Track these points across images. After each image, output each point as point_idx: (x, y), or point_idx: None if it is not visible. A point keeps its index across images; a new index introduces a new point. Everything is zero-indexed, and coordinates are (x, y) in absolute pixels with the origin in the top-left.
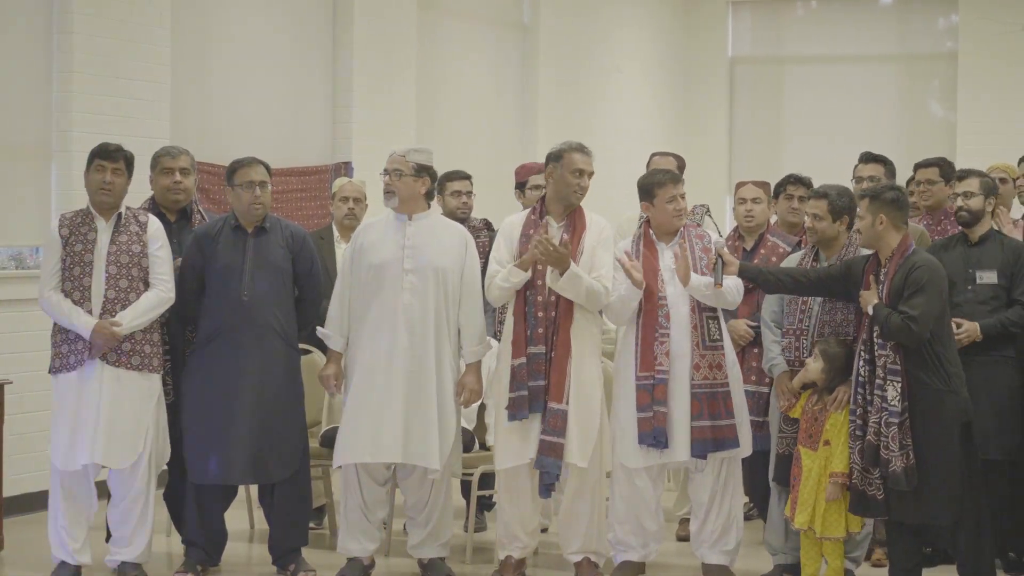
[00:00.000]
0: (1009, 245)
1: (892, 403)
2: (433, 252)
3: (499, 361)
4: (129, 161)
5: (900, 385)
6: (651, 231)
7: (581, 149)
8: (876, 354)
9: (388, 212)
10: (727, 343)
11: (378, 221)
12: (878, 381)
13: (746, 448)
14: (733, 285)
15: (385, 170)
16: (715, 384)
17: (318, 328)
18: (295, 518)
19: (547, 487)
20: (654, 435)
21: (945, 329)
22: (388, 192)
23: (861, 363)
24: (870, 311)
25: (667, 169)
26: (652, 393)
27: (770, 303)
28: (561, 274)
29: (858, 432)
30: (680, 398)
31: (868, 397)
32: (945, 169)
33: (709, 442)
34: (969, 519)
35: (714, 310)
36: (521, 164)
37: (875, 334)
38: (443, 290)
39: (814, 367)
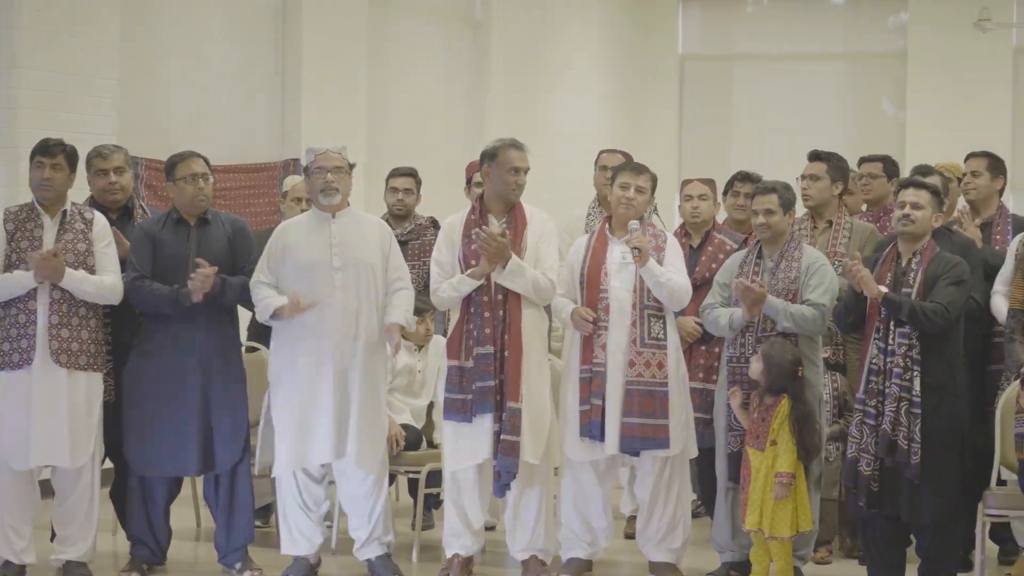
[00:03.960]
0: (956, 241)
1: (916, 394)
2: (359, 248)
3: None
4: (70, 156)
5: (920, 377)
6: (607, 226)
7: (516, 146)
8: (896, 343)
9: (309, 212)
10: (672, 344)
11: (298, 220)
12: (897, 371)
13: (677, 447)
14: (685, 284)
15: (321, 167)
16: (652, 383)
17: (263, 319)
18: (240, 515)
19: (503, 486)
20: (590, 428)
21: (960, 333)
22: (332, 190)
23: (875, 351)
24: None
25: (635, 162)
26: (590, 386)
27: (726, 272)
28: (504, 266)
29: (869, 421)
30: (615, 392)
31: (881, 386)
32: (889, 166)
33: (637, 440)
34: (952, 523)
35: (660, 309)
36: (471, 161)
37: (893, 323)
38: (372, 286)
39: (755, 368)
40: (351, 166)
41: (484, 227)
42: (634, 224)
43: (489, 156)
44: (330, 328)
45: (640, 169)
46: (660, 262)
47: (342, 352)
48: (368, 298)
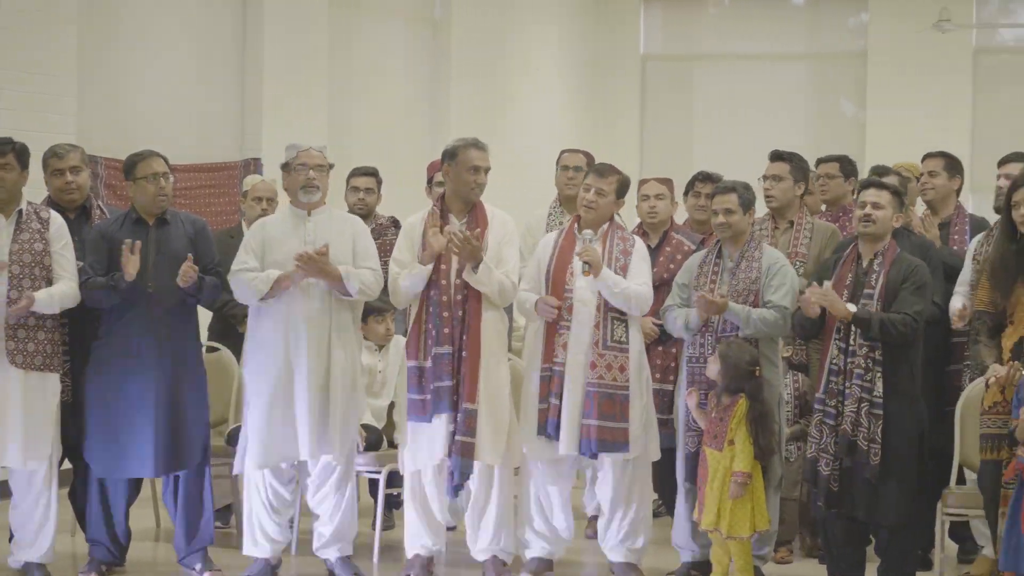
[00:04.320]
0: (915, 242)
1: (877, 395)
2: (334, 246)
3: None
4: (20, 154)
5: (883, 379)
6: (576, 225)
7: (476, 145)
8: (857, 344)
9: (285, 209)
10: (635, 347)
11: (275, 218)
12: (858, 371)
13: (636, 450)
14: (643, 292)
15: (304, 164)
16: (613, 386)
17: (253, 299)
18: (200, 516)
19: (456, 487)
20: (547, 426)
21: (921, 335)
22: (313, 187)
23: (835, 351)
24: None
25: (602, 164)
26: (549, 384)
27: (686, 273)
28: (475, 268)
29: (828, 421)
30: (574, 393)
31: (841, 386)
32: (846, 165)
33: (596, 442)
34: (909, 523)
35: (623, 312)
36: (433, 160)
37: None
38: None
39: (712, 368)
40: (331, 166)
41: (462, 229)
42: (587, 234)
43: (450, 155)
44: (304, 325)
45: (604, 171)
46: (626, 267)
47: (316, 350)
48: (332, 294)
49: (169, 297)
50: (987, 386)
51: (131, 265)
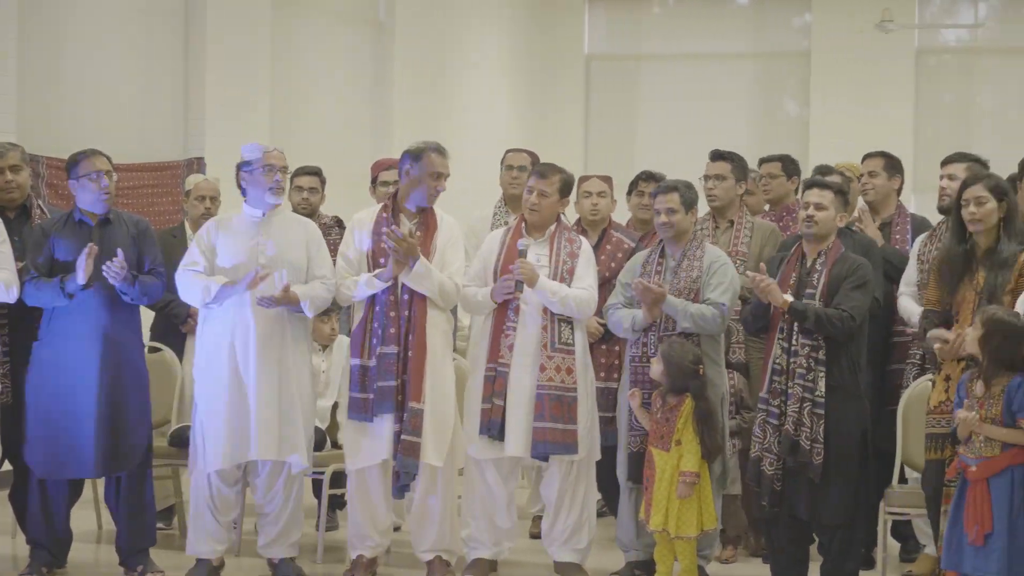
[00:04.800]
0: (858, 240)
1: (819, 395)
2: (287, 248)
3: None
4: None
5: (825, 379)
6: (523, 224)
7: (440, 151)
8: (800, 344)
9: (241, 210)
10: (580, 348)
11: (229, 218)
12: (800, 371)
13: (584, 451)
14: (585, 297)
15: (271, 165)
16: (562, 388)
17: (203, 302)
18: (142, 518)
19: (402, 487)
20: (489, 426)
21: (864, 333)
22: (280, 189)
23: (779, 351)
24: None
25: (544, 164)
26: (493, 385)
27: (628, 272)
28: (411, 268)
29: (772, 421)
30: (521, 395)
31: (784, 386)
32: (788, 165)
33: (548, 444)
34: (852, 523)
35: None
36: (377, 160)
37: (796, 324)
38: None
39: (656, 369)
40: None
41: (394, 227)
42: (522, 244)
43: (413, 157)
44: (260, 326)
45: (545, 172)
46: (573, 270)
47: (274, 351)
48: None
49: (111, 297)
50: (933, 385)
51: (87, 269)
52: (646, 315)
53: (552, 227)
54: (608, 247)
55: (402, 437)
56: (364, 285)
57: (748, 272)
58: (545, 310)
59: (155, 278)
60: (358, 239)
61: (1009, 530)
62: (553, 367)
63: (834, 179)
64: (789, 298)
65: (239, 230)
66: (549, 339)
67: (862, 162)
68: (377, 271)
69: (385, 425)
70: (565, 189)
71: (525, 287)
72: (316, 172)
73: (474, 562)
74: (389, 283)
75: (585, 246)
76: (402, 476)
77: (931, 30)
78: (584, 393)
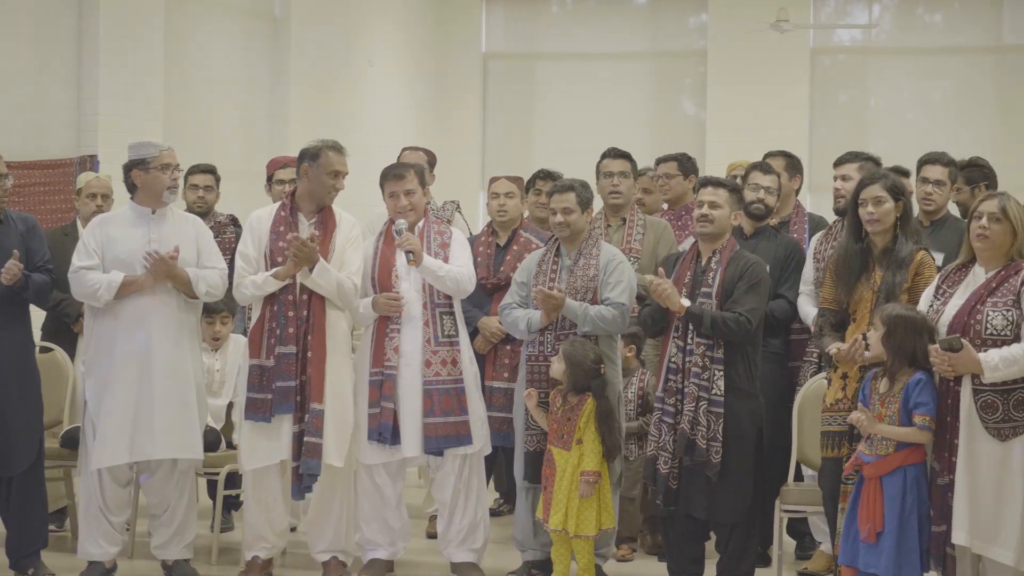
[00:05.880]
0: (782, 240)
1: (716, 394)
2: (180, 246)
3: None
4: None
5: (721, 377)
6: (393, 225)
7: (338, 149)
8: (695, 343)
9: (127, 206)
10: (464, 339)
11: (116, 215)
12: (696, 370)
13: (479, 443)
14: (466, 274)
15: (168, 164)
16: (449, 380)
17: (101, 300)
18: (33, 519)
19: (304, 489)
20: (380, 431)
21: (759, 333)
22: (176, 187)
23: (674, 350)
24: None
25: (396, 164)
26: (380, 389)
27: (524, 271)
28: (311, 270)
29: (667, 419)
30: (411, 395)
31: (680, 385)
32: (684, 164)
33: (442, 439)
34: (747, 520)
35: (449, 305)
36: (272, 158)
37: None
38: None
39: (557, 367)
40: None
41: (295, 234)
42: (400, 224)
43: (310, 156)
44: (155, 325)
45: (401, 172)
46: (447, 259)
47: (169, 349)
48: (183, 294)
49: (1, 297)
50: (829, 383)
51: (9, 273)
52: (543, 317)
53: (420, 223)
54: (515, 247)
55: (305, 439)
56: (260, 284)
57: (646, 276)
58: (425, 306)
59: (44, 275)
60: (256, 238)
61: (899, 528)
62: (439, 361)
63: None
64: (686, 303)
65: (128, 228)
66: (432, 334)
67: (763, 160)
68: (274, 270)
69: (283, 425)
70: (423, 179)
71: (406, 288)
72: (211, 170)
73: (371, 562)
74: (285, 282)
75: (456, 233)
76: (305, 478)
77: (826, 30)
78: (472, 384)
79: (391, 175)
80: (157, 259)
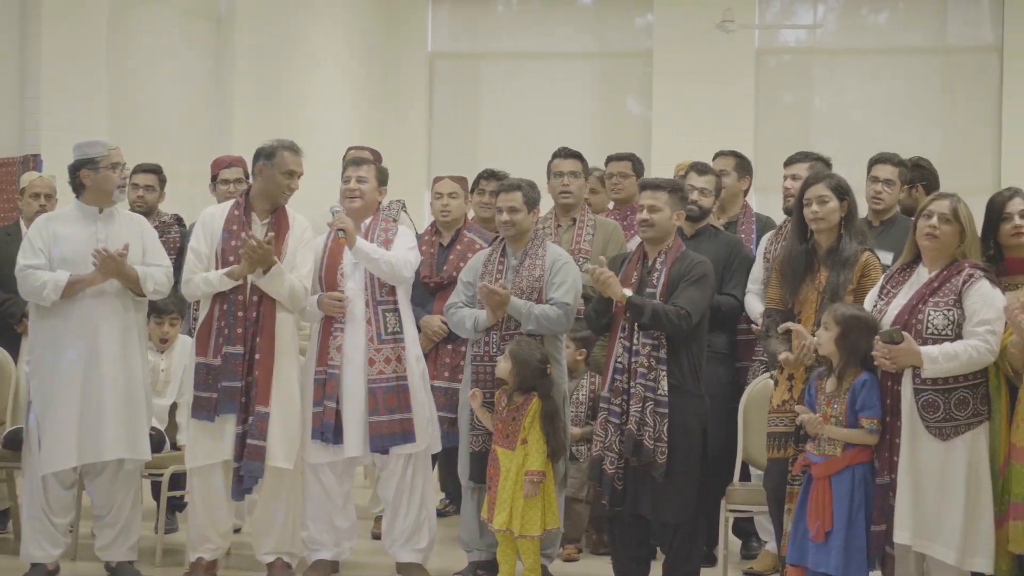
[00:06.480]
0: (724, 239)
1: (661, 394)
2: (123, 243)
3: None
4: None
5: (667, 377)
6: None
7: (293, 149)
8: (640, 343)
9: (73, 205)
10: (409, 337)
11: (62, 214)
12: (642, 370)
13: (424, 443)
14: (404, 256)
15: (118, 164)
16: (394, 377)
17: (48, 299)
18: None
19: (244, 490)
20: (322, 430)
21: (704, 331)
22: (125, 186)
23: (620, 350)
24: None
25: (360, 150)
26: (324, 388)
27: (470, 271)
28: (264, 271)
29: (613, 420)
30: (354, 394)
31: (626, 385)
32: (637, 164)
33: (387, 437)
34: (693, 520)
35: (394, 303)
36: (217, 157)
37: (637, 323)
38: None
39: (503, 367)
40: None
41: (251, 234)
42: (335, 207)
43: (266, 155)
44: (103, 325)
45: (360, 161)
46: (390, 247)
47: (118, 349)
48: (130, 293)
49: None
50: (776, 384)
51: None
52: (489, 316)
53: (368, 219)
54: (459, 247)
55: (247, 441)
56: (212, 282)
57: (588, 265)
58: (368, 303)
59: None
60: (208, 235)
61: (848, 528)
62: (383, 359)
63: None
64: (628, 292)
65: (75, 226)
66: (375, 332)
67: (712, 160)
68: (228, 269)
69: (227, 426)
70: (382, 178)
71: (351, 287)
72: (155, 170)
73: (316, 563)
74: (238, 282)
75: (402, 229)
76: (246, 479)
77: (771, 31)
78: (418, 382)
79: (351, 160)
80: (106, 256)
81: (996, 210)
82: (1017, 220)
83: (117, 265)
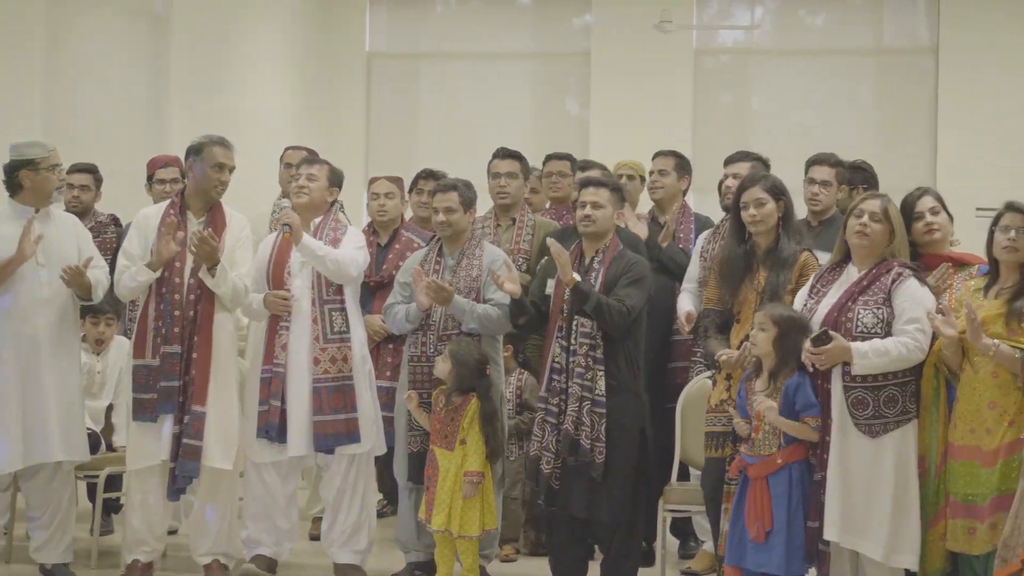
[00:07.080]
0: (624, 237)
1: (598, 394)
2: (60, 245)
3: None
4: None
5: (604, 377)
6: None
7: (222, 143)
8: (578, 343)
9: (7, 204)
10: (356, 338)
11: None
12: (579, 370)
13: (369, 444)
14: (351, 254)
15: (57, 165)
16: (339, 377)
17: None
18: None
19: (178, 490)
20: (267, 429)
21: (642, 331)
22: (63, 187)
23: (557, 350)
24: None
25: (313, 151)
26: (269, 386)
27: (406, 271)
28: (211, 270)
29: (550, 419)
30: (299, 393)
31: (563, 385)
32: (575, 164)
33: (331, 437)
34: (631, 520)
35: (340, 302)
36: (153, 157)
37: (575, 323)
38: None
39: (442, 367)
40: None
41: (199, 230)
42: (283, 202)
43: (194, 151)
44: (43, 326)
45: (314, 160)
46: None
47: (56, 349)
48: (68, 293)
49: None
50: (714, 384)
51: None
52: (420, 304)
53: (317, 220)
54: (397, 247)
55: (183, 440)
56: (134, 275)
57: (548, 239)
58: (314, 302)
59: None
60: (142, 236)
61: (788, 526)
62: (328, 358)
63: (594, 173)
64: (576, 276)
65: (9, 226)
66: (321, 331)
67: (652, 160)
68: (147, 262)
69: (166, 426)
70: (334, 179)
71: (298, 285)
72: (89, 170)
73: (255, 558)
74: (158, 273)
75: (351, 230)
76: (180, 479)
77: (709, 31)
78: (363, 382)
79: (305, 158)
80: (73, 271)
81: (908, 210)
82: (928, 217)
83: (81, 277)
